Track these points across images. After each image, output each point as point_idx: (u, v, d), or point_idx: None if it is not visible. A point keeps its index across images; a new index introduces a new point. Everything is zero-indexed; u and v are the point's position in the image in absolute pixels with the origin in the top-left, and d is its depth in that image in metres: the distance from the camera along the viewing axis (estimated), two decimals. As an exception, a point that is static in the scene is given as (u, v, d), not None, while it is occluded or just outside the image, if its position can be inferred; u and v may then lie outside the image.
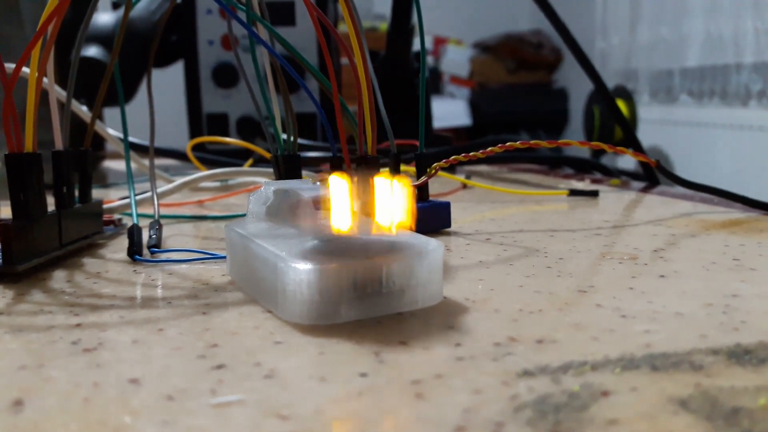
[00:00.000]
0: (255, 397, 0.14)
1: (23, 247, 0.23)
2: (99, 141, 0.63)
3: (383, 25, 2.16)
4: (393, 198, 0.18)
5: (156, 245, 0.27)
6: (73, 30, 0.29)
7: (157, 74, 0.43)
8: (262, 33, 0.29)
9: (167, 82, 0.90)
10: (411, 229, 0.19)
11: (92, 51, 0.56)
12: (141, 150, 0.55)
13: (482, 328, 0.18)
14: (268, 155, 0.37)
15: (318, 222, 0.21)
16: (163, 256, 0.26)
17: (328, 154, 0.49)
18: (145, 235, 0.28)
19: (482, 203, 0.40)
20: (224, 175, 0.41)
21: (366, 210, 0.18)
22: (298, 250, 0.18)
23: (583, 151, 1.82)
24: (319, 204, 0.18)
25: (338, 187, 0.17)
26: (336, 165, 0.29)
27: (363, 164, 0.27)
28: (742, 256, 0.25)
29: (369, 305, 0.18)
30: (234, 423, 0.13)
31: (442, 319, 0.18)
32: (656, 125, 1.95)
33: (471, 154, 0.30)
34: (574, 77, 2.43)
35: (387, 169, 0.30)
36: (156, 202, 0.30)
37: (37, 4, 0.47)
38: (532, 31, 2.55)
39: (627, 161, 1.70)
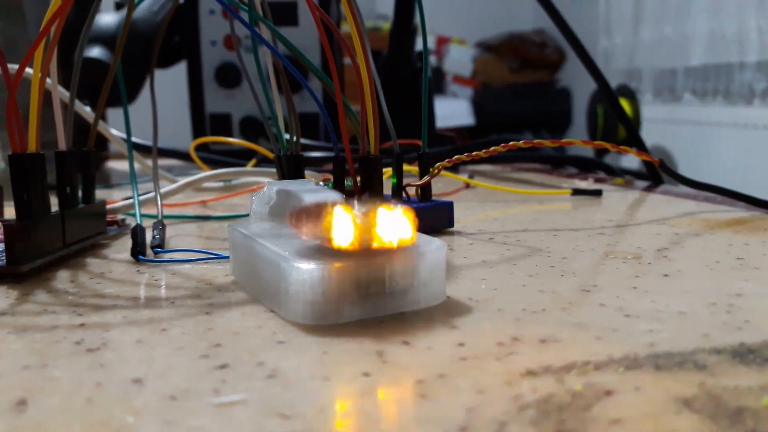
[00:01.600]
0: (258, 396, 0.14)
1: (27, 248, 0.23)
2: (102, 141, 0.63)
3: (386, 25, 2.16)
4: (395, 225, 0.18)
5: (159, 245, 0.27)
6: (76, 31, 0.29)
7: (159, 75, 0.43)
8: (265, 33, 0.29)
9: (170, 83, 0.90)
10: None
11: (95, 52, 0.56)
12: (144, 150, 0.55)
13: (485, 327, 0.17)
14: (271, 155, 0.37)
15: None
16: (167, 256, 0.26)
17: (331, 154, 0.49)
18: (148, 236, 0.28)
19: (485, 203, 0.40)
20: (227, 175, 0.41)
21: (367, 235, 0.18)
22: (301, 249, 0.18)
23: (586, 151, 1.82)
24: (320, 211, 0.18)
25: (341, 218, 0.17)
26: (338, 165, 0.29)
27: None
28: (746, 255, 0.25)
29: (372, 305, 0.18)
30: (237, 423, 0.13)
31: (445, 318, 0.18)
32: (660, 124, 1.94)
33: (474, 153, 0.30)
34: (577, 76, 2.42)
35: (389, 169, 0.30)
36: (159, 203, 0.30)
37: (41, 4, 0.47)
38: (535, 30, 2.55)
39: (630, 160, 1.70)
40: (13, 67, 0.24)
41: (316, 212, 0.18)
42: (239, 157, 0.57)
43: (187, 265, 0.25)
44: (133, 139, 0.43)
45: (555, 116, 2.52)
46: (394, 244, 0.18)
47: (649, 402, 0.13)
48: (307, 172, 0.33)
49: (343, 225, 0.17)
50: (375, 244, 0.18)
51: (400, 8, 0.59)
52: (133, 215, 0.29)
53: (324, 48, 0.29)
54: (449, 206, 0.31)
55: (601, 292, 0.21)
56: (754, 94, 1.66)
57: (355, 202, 0.18)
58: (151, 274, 0.24)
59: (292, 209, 0.19)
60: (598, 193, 0.41)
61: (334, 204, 0.18)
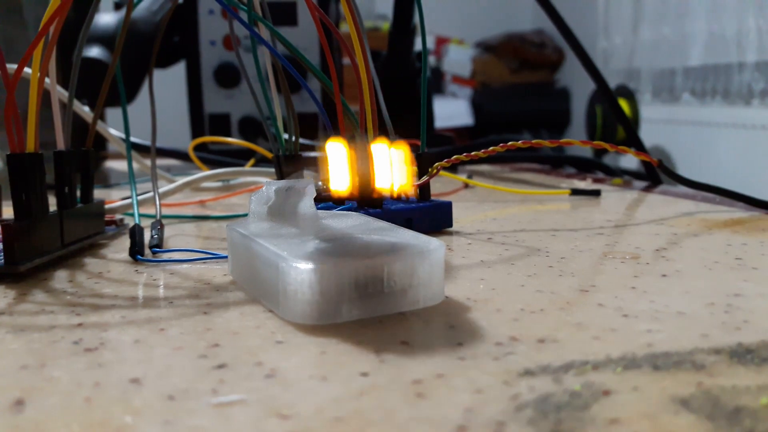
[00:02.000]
0: (256, 396, 0.14)
1: (25, 247, 0.23)
2: (101, 141, 0.63)
3: (385, 25, 2.16)
4: (392, 163, 0.18)
5: (158, 245, 0.27)
6: (75, 30, 0.29)
7: (158, 74, 0.43)
8: (264, 33, 0.29)
9: (169, 83, 0.90)
10: (412, 193, 0.19)
11: (94, 51, 0.56)
12: (143, 150, 0.55)
13: (484, 327, 0.18)
14: (269, 155, 0.37)
15: (318, 222, 0.21)
16: (165, 256, 0.26)
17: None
18: (146, 235, 0.28)
19: (484, 203, 0.40)
20: (226, 175, 0.41)
21: (365, 177, 0.18)
22: (300, 249, 0.18)
23: (585, 151, 1.82)
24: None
25: (335, 151, 0.17)
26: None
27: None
28: (745, 255, 0.25)
29: (370, 305, 0.18)
30: (235, 423, 0.13)
31: (443, 318, 0.18)
32: (658, 124, 1.94)
33: (473, 153, 0.30)
34: (576, 77, 2.42)
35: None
36: (158, 202, 0.30)
37: (40, 4, 0.47)
38: (534, 30, 2.55)
39: (629, 160, 1.70)
40: (12, 66, 0.24)
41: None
42: (238, 157, 0.57)
43: (185, 265, 0.25)
44: (132, 138, 0.43)
45: (554, 116, 2.52)
46: (395, 190, 0.18)
47: (647, 402, 0.13)
48: (305, 172, 0.33)
49: (340, 171, 0.17)
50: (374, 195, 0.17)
51: (399, 8, 0.59)
52: (132, 215, 0.29)
53: (323, 48, 0.29)
54: (448, 206, 0.31)
55: (599, 292, 0.21)
56: (752, 95, 1.66)
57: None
58: (150, 274, 0.24)
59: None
60: (596, 194, 0.41)
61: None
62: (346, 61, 0.35)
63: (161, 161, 0.61)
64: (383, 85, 0.31)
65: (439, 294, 0.19)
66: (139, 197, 0.32)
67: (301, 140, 0.30)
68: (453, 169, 0.52)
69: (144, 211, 0.33)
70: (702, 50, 1.81)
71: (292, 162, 0.29)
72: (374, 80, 0.27)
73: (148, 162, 0.45)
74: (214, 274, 0.24)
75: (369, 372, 0.15)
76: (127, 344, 0.17)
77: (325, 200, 0.29)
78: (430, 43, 2.49)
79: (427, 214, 0.30)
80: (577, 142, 0.31)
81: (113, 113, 0.68)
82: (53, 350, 0.16)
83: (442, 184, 0.46)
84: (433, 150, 0.48)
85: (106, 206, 0.32)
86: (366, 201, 0.27)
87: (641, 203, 0.40)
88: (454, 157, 0.30)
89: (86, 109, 0.42)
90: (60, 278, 0.23)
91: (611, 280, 0.22)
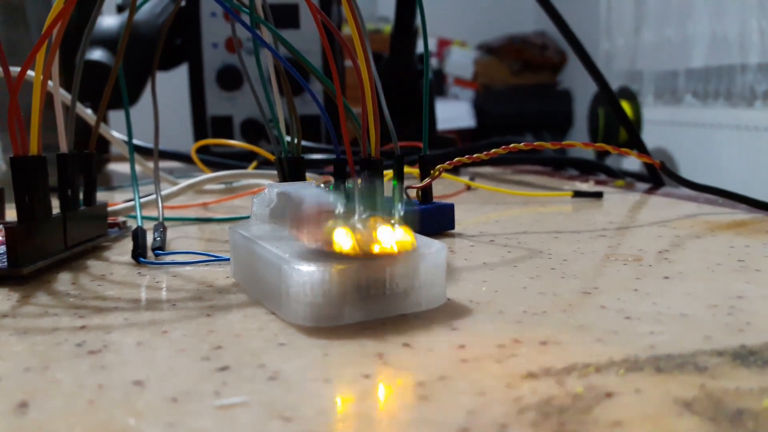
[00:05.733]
0: (259, 398, 0.14)
1: (28, 250, 0.23)
2: (103, 144, 0.63)
3: (387, 27, 2.16)
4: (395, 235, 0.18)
5: (160, 247, 0.27)
6: (78, 33, 0.29)
7: (161, 77, 0.43)
8: (266, 36, 0.29)
9: (172, 85, 0.90)
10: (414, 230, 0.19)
11: (97, 54, 0.56)
12: (145, 152, 0.55)
13: (486, 329, 0.18)
14: (272, 157, 0.37)
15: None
16: (168, 259, 0.26)
17: (332, 157, 0.49)
18: (149, 238, 0.28)
19: (486, 205, 0.40)
20: (228, 177, 0.41)
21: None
22: (302, 252, 0.18)
23: (587, 153, 1.82)
24: (320, 218, 0.18)
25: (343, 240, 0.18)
26: (339, 167, 0.29)
27: (367, 169, 0.27)
28: (747, 257, 0.25)
29: (373, 307, 0.18)
30: (238, 425, 0.13)
31: (445, 320, 0.18)
32: (661, 126, 1.94)
33: (475, 155, 0.30)
34: (578, 78, 2.42)
35: (390, 171, 0.30)
36: (160, 205, 0.30)
37: (43, 7, 0.47)
38: (536, 32, 2.55)
39: (631, 162, 1.69)
40: (15, 69, 0.24)
41: (317, 219, 0.18)
42: (240, 160, 0.57)
43: (188, 267, 0.25)
44: (135, 141, 0.43)
45: (556, 118, 2.52)
46: (395, 249, 0.18)
47: (649, 404, 0.13)
48: (308, 175, 0.33)
49: (343, 234, 0.18)
50: (376, 249, 0.18)
51: (401, 10, 0.59)
52: (134, 217, 0.29)
53: (325, 50, 0.29)
54: (450, 208, 0.31)
55: (602, 294, 0.21)
56: (755, 96, 1.66)
57: (356, 208, 0.18)
58: (152, 276, 0.24)
59: (292, 215, 0.19)
60: (599, 195, 0.41)
61: (333, 210, 0.18)
62: (348, 63, 0.35)
63: (164, 164, 0.62)
64: (385, 87, 0.31)
65: (441, 296, 0.19)
66: (142, 200, 0.32)
67: (303, 142, 0.30)
68: (455, 171, 0.52)
69: (147, 213, 0.33)
70: (704, 52, 1.81)
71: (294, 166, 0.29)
72: (376, 82, 0.27)
73: (150, 164, 0.45)
74: (216, 276, 0.24)
75: (371, 374, 0.15)
76: (130, 346, 0.17)
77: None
78: (432, 45, 2.50)
79: (429, 216, 0.30)
80: (579, 144, 0.31)
81: (116, 116, 0.68)
82: (56, 352, 0.16)
83: (444, 186, 0.46)
84: (435, 152, 0.48)
85: (109, 209, 0.32)
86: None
87: (643, 205, 0.40)
88: (456, 159, 0.30)
89: (89, 111, 0.42)
90: (63, 280, 0.23)
91: (614, 282, 0.22)
